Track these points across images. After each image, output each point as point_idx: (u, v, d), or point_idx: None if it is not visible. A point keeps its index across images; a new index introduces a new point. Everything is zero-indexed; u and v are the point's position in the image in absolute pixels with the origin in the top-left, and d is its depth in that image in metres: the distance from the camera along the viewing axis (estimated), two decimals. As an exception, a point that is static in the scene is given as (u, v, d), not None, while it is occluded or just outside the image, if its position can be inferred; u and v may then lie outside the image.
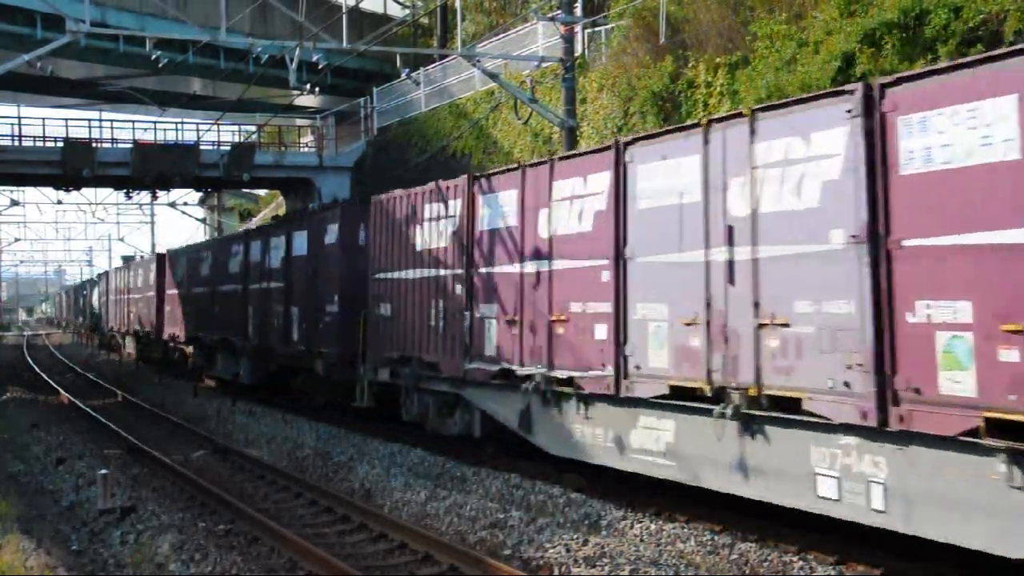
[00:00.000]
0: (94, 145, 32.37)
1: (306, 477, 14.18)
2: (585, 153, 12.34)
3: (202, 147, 33.07)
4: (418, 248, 15.56)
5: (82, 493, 13.24)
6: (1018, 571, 7.72)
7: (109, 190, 38.26)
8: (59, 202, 40.11)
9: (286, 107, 35.28)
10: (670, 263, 10.43)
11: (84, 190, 37.77)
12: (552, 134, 23.31)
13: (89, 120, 37.76)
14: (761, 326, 9.23)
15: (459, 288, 14.34)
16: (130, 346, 40.92)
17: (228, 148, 33.93)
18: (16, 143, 33.35)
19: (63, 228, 70.25)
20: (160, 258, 35.53)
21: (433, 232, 15.19)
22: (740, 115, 9.72)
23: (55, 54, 25.74)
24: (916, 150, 7.99)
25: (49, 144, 33.40)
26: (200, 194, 44.11)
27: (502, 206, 13.50)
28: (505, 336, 13.24)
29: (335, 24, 27.37)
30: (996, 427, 7.30)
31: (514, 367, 12.95)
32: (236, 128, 40.65)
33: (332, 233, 19.26)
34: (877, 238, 8.22)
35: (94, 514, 11.93)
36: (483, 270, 13.89)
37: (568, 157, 12.53)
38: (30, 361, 43.92)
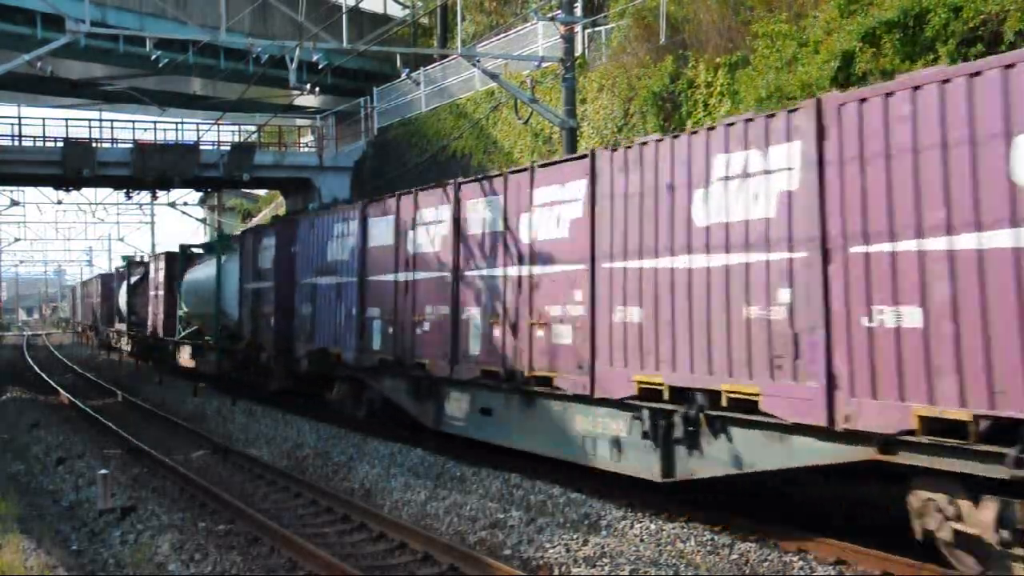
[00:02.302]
0: (94, 145, 32.27)
1: (306, 477, 14.18)
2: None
3: (202, 147, 32.99)
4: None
5: (82, 493, 13.24)
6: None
7: (109, 190, 38.14)
8: (59, 202, 39.95)
9: (286, 107, 35.25)
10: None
11: (84, 190, 37.66)
12: (552, 134, 23.30)
13: (89, 120, 37.64)
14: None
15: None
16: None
17: (228, 148, 33.84)
18: (16, 143, 33.23)
19: (63, 228, 70.17)
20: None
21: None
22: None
23: (55, 54, 25.70)
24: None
25: (49, 144, 33.30)
26: (200, 194, 44.00)
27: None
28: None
29: (335, 24, 27.36)
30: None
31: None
32: (236, 128, 40.60)
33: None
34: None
35: (94, 514, 11.93)
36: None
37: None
38: (30, 361, 43.92)
